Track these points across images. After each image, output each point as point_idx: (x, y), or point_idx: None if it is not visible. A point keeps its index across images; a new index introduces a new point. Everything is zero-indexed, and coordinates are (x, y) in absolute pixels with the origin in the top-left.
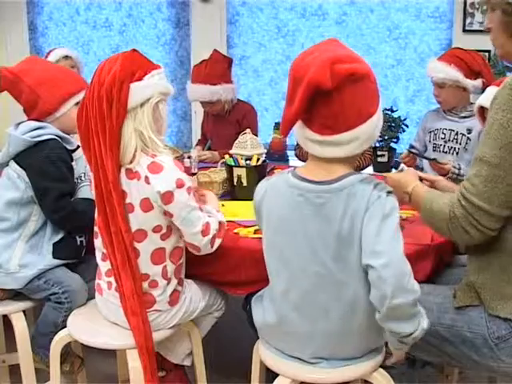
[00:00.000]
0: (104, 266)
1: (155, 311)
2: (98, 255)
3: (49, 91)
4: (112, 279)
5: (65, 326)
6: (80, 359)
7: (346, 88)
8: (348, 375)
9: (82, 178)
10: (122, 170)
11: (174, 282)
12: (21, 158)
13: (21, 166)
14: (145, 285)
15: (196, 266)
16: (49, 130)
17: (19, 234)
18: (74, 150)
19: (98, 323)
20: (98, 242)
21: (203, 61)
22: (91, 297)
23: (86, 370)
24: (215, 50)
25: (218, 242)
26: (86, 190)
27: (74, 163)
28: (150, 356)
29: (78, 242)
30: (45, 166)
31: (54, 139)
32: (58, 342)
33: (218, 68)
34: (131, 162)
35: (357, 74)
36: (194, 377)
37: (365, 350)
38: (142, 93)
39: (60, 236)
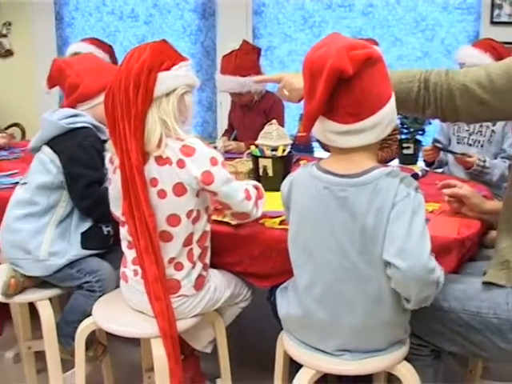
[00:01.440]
0: (130, 254)
1: (181, 296)
2: (124, 244)
3: (91, 78)
4: (138, 267)
5: (91, 314)
6: (103, 346)
7: (364, 73)
8: (372, 367)
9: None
10: (152, 158)
11: (199, 266)
12: (54, 143)
13: (54, 151)
14: (170, 269)
15: (221, 256)
16: (83, 118)
17: (49, 219)
18: (106, 140)
19: (123, 311)
20: (123, 231)
21: (233, 51)
22: (117, 285)
23: (111, 358)
24: (245, 41)
25: (261, 203)
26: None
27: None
28: (174, 342)
29: (105, 232)
30: (77, 153)
31: (88, 127)
32: (84, 329)
33: (248, 59)
34: (158, 149)
35: (373, 58)
36: (217, 365)
37: (389, 342)
38: (168, 83)
39: (87, 226)
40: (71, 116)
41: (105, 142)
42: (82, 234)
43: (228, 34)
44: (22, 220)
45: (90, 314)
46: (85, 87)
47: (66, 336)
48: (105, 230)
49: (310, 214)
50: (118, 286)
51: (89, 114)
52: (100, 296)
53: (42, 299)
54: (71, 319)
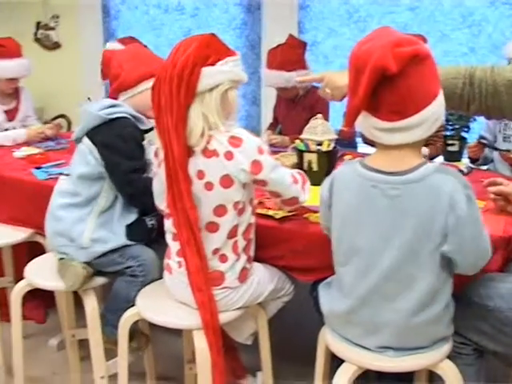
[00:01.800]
0: (174, 246)
1: (224, 288)
2: (169, 236)
3: (132, 66)
4: (182, 259)
5: (134, 305)
6: (146, 336)
7: (411, 70)
8: (414, 364)
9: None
10: (198, 150)
11: (244, 258)
12: (93, 133)
13: (92, 142)
14: (214, 260)
15: (265, 250)
16: (122, 109)
17: (90, 210)
18: (147, 131)
19: (166, 302)
20: (167, 224)
21: (278, 45)
22: (161, 276)
23: (152, 349)
24: (291, 35)
25: (306, 187)
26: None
27: (145, 142)
28: (216, 334)
29: (149, 225)
30: (115, 143)
31: (126, 117)
32: (127, 319)
33: (294, 54)
34: (200, 143)
35: (420, 55)
36: (257, 359)
37: (432, 340)
38: (212, 78)
39: (132, 218)
40: (110, 106)
41: (145, 132)
42: (127, 226)
43: (273, 29)
44: (66, 209)
45: (132, 301)
46: (124, 76)
47: (109, 325)
48: (149, 223)
49: (355, 213)
50: (160, 276)
51: (129, 104)
52: (142, 282)
53: (86, 289)
54: (114, 307)
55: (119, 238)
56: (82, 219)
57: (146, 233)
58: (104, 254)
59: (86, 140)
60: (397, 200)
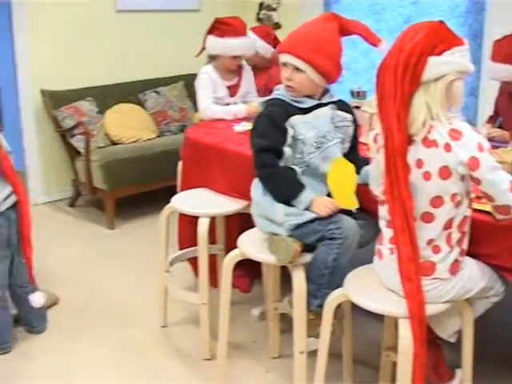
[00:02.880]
0: (387, 232)
1: (435, 279)
2: (382, 223)
3: None
4: (394, 246)
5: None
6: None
7: None
8: None
9: (327, 137)
10: (418, 139)
11: (457, 250)
12: None
13: None
14: (427, 250)
15: (478, 246)
16: (280, 92)
17: None
18: (309, 109)
19: (374, 287)
20: (382, 210)
21: (504, 37)
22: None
23: (351, 332)
24: None
25: None
26: (329, 149)
27: (299, 121)
28: (422, 325)
29: None
30: (255, 122)
31: (278, 99)
32: (334, 299)
33: None
34: (421, 132)
35: None
36: (457, 355)
37: None
38: (438, 68)
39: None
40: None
41: (309, 110)
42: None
43: (496, 18)
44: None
45: (330, 267)
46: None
47: (309, 295)
48: None
49: None
50: (360, 245)
51: None
52: (340, 244)
53: (296, 264)
54: (314, 275)
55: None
56: (269, 196)
57: None
58: (302, 225)
59: None
60: None
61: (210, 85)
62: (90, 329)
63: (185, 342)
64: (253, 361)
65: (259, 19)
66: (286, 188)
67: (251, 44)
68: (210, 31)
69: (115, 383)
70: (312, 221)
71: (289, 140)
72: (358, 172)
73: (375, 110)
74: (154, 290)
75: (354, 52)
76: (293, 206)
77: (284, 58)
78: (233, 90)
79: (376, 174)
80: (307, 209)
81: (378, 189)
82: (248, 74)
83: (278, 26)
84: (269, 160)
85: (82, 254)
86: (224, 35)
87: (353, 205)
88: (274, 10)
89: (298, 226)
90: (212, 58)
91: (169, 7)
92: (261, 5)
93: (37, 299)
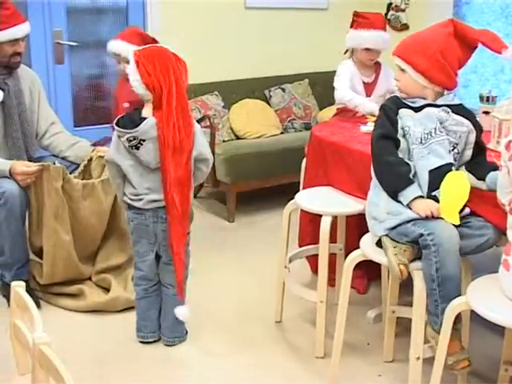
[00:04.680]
0: None
1: None
2: (510, 233)
3: None
4: None
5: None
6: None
7: None
8: None
9: (432, 134)
10: None
11: None
12: None
13: None
14: None
15: None
16: None
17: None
18: (420, 108)
19: (496, 297)
20: (510, 219)
21: None
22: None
23: (469, 344)
24: None
25: None
26: (433, 147)
27: (407, 113)
28: None
29: None
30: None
31: (396, 96)
32: (455, 307)
33: None
34: None
35: None
36: None
37: None
38: None
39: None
40: None
41: (419, 109)
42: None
43: None
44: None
45: (437, 277)
46: None
47: (429, 314)
48: None
49: None
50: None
51: None
52: (436, 252)
53: (418, 269)
54: (427, 293)
55: (407, 211)
56: (377, 195)
57: None
58: (399, 225)
59: None
60: None
61: (348, 73)
62: (206, 319)
63: (298, 339)
64: (366, 363)
65: (387, 20)
66: (396, 178)
67: (386, 38)
68: (351, 25)
69: (230, 372)
70: (408, 221)
71: (400, 131)
72: (483, 178)
73: (507, 116)
74: (269, 285)
75: (482, 56)
76: (396, 200)
77: (394, 59)
78: (369, 89)
79: (505, 182)
80: (409, 206)
81: (506, 197)
82: (387, 73)
83: (405, 26)
84: (387, 147)
85: (201, 244)
86: (358, 27)
87: (455, 220)
88: (403, 10)
89: (395, 226)
90: (351, 53)
91: (297, 5)
92: (389, 5)
93: (182, 313)
